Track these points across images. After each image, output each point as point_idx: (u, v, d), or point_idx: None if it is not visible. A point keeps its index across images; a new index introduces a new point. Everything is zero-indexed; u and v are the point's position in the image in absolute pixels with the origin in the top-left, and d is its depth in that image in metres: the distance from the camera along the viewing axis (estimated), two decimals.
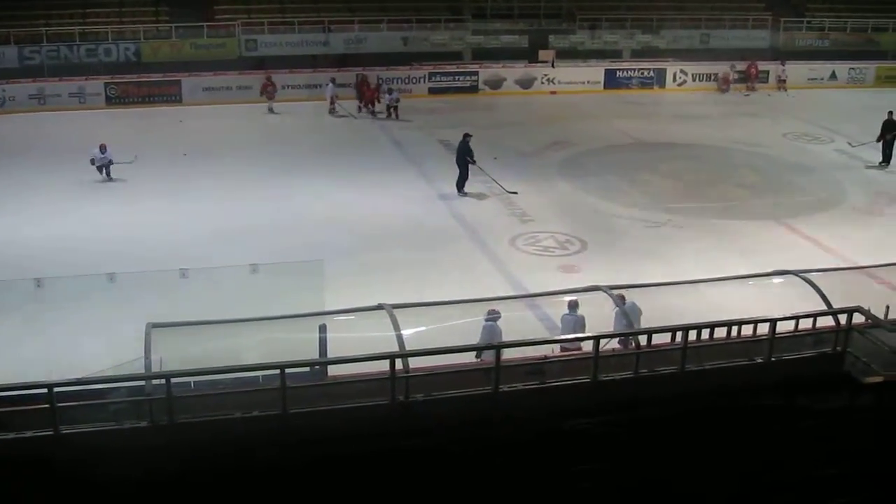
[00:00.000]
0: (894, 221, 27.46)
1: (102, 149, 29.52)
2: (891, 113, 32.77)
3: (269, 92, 39.83)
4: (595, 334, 14.15)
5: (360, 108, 40.03)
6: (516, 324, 15.33)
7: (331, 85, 39.75)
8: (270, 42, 43.44)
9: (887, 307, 15.71)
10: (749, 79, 46.58)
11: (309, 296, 15.81)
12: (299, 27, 43.85)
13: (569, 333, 15.47)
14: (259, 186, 28.85)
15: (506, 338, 14.68)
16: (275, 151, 33.29)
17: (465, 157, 28.92)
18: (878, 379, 13.69)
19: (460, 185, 28.97)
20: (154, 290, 17.34)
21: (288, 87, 41.16)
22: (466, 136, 29.11)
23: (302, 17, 44.20)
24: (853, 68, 48.48)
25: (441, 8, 47.25)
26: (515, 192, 28.57)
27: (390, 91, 39.42)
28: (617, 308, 15.34)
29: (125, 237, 24.06)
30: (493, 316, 15.17)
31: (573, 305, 15.79)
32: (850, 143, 34.60)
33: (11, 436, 11.35)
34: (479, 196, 28.84)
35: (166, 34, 42.32)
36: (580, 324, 15.50)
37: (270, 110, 39.63)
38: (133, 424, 11.83)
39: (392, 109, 39.05)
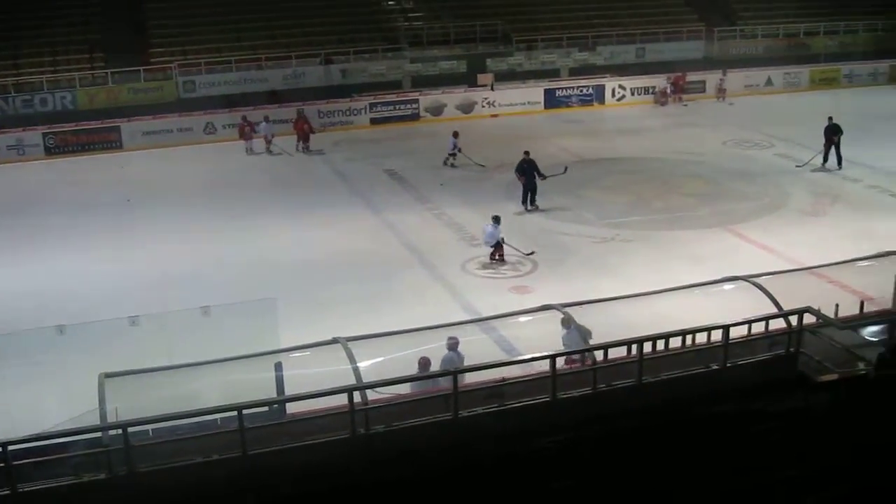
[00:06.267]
0: (838, 221, 27.94)
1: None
2: (830, 118, 33.33)
3: (246, 133, 39.19)
4: (552, 353, 14.16)
5: (298, 146, 39.25)
6: (473, 347, 15.29)
7: (264, 123, 39.22)
8: (209, 82, 43.28)
9: (837, 305, 15.93)
10: (677, 90, 47.10)
11: (264, 335, 15.66)
12: (236, 66, 43.75)
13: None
14: (205, 228, 28.65)
15: (464, 362, 14.68)
16: (219, 193, 33.10)
17: (533, 174, 29.98)
18: (833, 377, 13.80)
19: (531, 199, 30.09)
20: (105, 340, 17.10)
21: (228, 126, 40.87)
22: (526, 153, 30.23)
23: (238, 56, 44.11)
24: (788, 73, 49.38)
25: (377, 38, 47.38)
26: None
27: None
28: (565, 330, 15.22)
29: (70, 288, 23.74)
30: (452, 342, 15.12)
31: (567, 323, 15.00)
32: (797, 166, 34.00)
33: None
34: (429, 222, 28.91)
35: (102, 80, 42.08)
36: (584, 337, 14.73)
37: (250, 150, 39.13)
38: (92, 477, 11.61)
39: None
